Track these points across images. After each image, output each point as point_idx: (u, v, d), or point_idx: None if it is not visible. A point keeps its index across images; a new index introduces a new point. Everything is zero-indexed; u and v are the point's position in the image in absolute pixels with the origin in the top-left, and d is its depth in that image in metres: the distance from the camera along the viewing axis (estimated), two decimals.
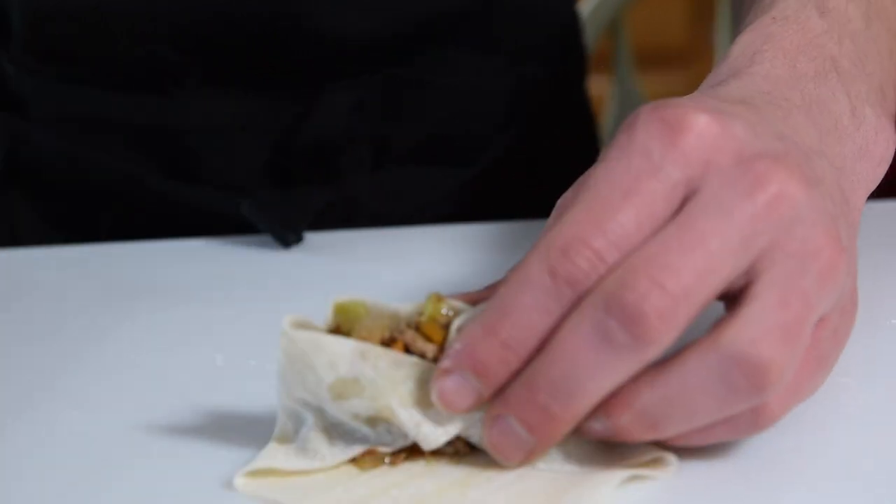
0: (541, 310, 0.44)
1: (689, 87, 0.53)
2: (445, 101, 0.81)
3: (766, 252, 0.44)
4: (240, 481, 0.46)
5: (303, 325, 0.46)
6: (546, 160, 0.87)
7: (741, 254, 0.43)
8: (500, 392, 0.45)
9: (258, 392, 0.52)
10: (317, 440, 0.47)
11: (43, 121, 0.79)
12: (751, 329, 0.43)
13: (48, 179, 0.81)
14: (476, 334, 0.44)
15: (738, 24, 0.60)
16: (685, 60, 2.00)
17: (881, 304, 0.58)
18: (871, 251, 0.62)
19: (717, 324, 0.44)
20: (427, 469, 0.47)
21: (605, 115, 1.31)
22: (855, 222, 0.49)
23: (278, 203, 0.72)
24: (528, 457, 0.45)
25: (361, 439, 0.47)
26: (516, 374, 0.44)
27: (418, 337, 0.46)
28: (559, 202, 0.48)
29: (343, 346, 0.46)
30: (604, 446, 0.46)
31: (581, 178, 0.48)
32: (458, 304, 0.47)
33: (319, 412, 0.47)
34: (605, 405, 0.44)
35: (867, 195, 0.52)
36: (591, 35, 1.22)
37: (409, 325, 0.47)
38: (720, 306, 0.45)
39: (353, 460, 0.47)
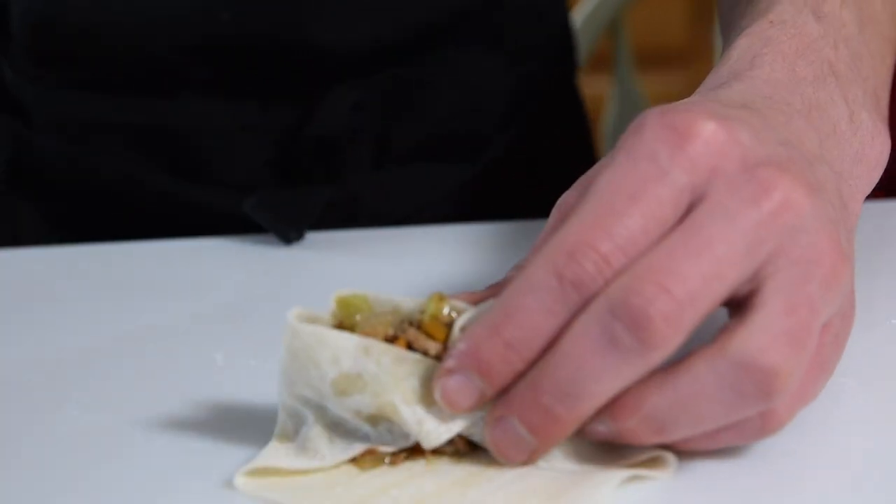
0: (546, 312, 0.44)
1: (689, 87, 0.54)
2: (446, 100, 0.81)
3: (771, 259, 0.44)
4: (240, 480, 0.46)
5: (309, 319, 0.47)
6: (546, 159, 0.87)
7: (747, 260, 0.44)
8: (503, 393, 0.45)
9: (258, 391, 0.52)
10: (317, 439, 0.47)
11: (44, 124, 0.80)
12: (759, 336, 0.43)
13: (50, 181, 0.81)
14: (481, 334, 0.45)
15: (726, 28, 0.60)
16: (685, 60, 2.00)
17: (881, 304, 0.58)
18: (870, 251, 0.62)
19: (725, 330, 0.44)
20: (427, 469, 0.47)
21: (605, 115, 1.31)
22: (853, 227, 0.49)
23: (280, 201, 0.72)
24: (530, 457, 0.45)
25: (362, 438, 0.47)
26: (520, 376, 0.45)
27: (420, 335, 0.46)
28: (560, 202, 0.48)
29: (347, 341, 0.46)
30: (604, 445, 0.46)
31: (582, 179, 0.48)
32: (460, 303, 0.47)
33: (321, 410, 0.47)
34: (610, 408, 0.44)
35: (863, 199, 0.52)
36: (591, 35, 1.22)
37: (411, 324, 0.47)
38: (723, 312, 0.45)
39: (353, 460, 0.47)
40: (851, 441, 0.48)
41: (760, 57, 0.51)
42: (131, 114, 0.78)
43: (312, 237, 0.71)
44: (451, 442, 0.47)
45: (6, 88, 0.81)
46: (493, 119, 0.83)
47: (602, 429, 0.45)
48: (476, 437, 0.46)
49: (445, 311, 0.46)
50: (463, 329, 0.46)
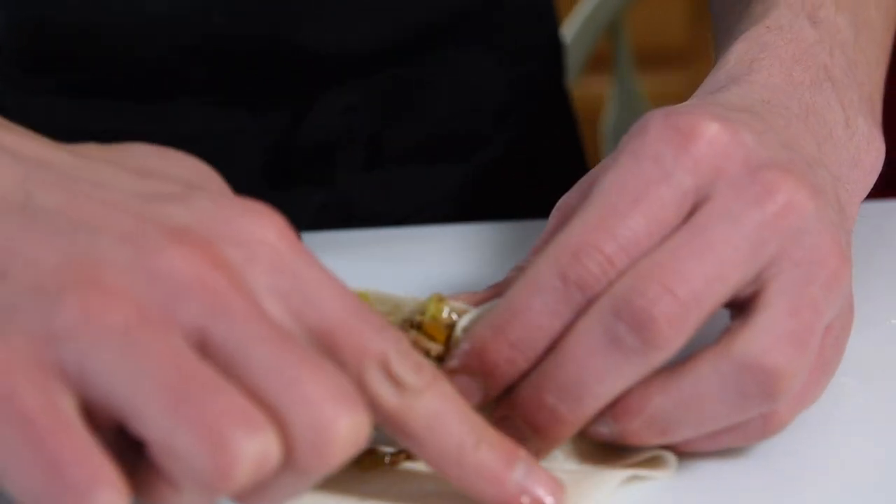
0: (550, 312, 0.44)
1: (689, 87, 0.54)
2: (444, 100, 0.81)
3: (774, 260, 0.44)
4: None
5: None
6: (544, 159, 0.87)
7: (750, 261, 0.44)
8: (506, 393, 0.45)
9: None
10: None
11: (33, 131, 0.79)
12: (763, 337, 0.43)
13: None
14: (485, 335, 0.45)
15: (720, 31, 0.60)
16: (685, 60, 2.00)
17: (881, 304, 0.58)
18: (870, 251, 0.62)
19: (729, 332, 0.44)
20: (427, 469, 0.46)
21: (605, 116, 1.31)
22: (850, 231, 0.50)
23: (276, 204, 0.72)
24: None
25: None
26: (523, 376, 0.45)
27: (422, 336, 0.46)
28: (560, 203, 0.48)
29: None
30: (604, 445, 0.46)
31: (583, 180, 0.48)
32: (460, 304, 0.47)
33: None
34: (613, 409, 0.45)
35: (859, 204, 0.52)
36: (591, 35, 1.22)
37: (411, 325, 0.47)
38: (724, 313, 0.45)
39: (354, 460, 0.47)
40: (851, 441, 0.48)
41: (758, 61, 0.52)
42: (122, 120, 0.77)
43: (310, 238, 0.71)
44: None
45: None
46: (492, 119, 0.83)
47: (605, 430, 0.45)
48: None
49: (445, 312, 0.46)
50: (465, 330, 0.46)
